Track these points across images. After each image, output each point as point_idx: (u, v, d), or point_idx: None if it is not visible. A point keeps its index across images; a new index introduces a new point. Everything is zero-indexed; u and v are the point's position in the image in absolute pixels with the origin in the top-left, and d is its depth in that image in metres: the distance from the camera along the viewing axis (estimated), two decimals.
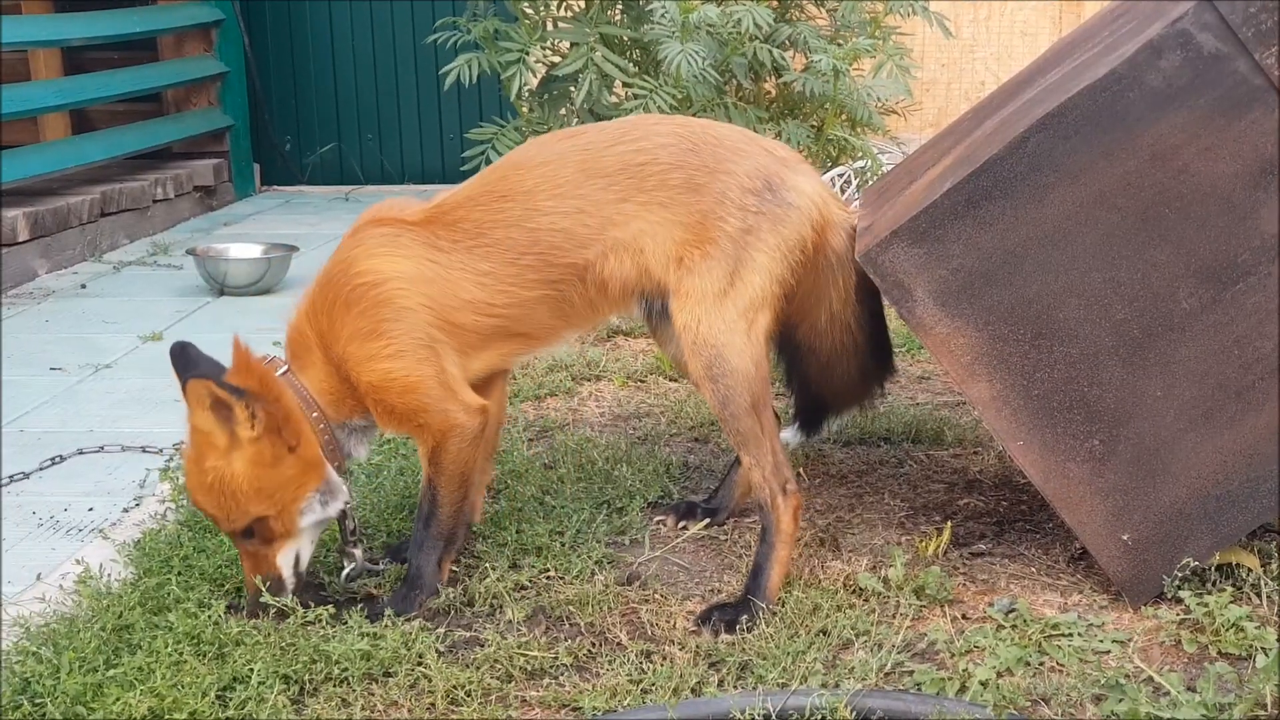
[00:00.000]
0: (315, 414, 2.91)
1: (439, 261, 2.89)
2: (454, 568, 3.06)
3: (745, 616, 2.83)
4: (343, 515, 3.00)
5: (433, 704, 2.59)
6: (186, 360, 2.87)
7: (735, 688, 2.61)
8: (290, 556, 2.90)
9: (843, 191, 5.53)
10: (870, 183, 5.26)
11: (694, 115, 4.96)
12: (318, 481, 2.89)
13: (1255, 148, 2.75)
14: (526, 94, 5.30)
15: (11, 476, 3.65)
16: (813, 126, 5.34)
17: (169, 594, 2.89)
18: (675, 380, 4.40)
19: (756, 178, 2.91)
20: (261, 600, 2.84)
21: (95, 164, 7.16)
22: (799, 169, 3.00)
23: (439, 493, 2.96)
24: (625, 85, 5.11)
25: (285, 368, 2.93)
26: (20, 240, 6.15)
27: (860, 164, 5.45)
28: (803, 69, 5.17)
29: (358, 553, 3.07)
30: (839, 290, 3.07)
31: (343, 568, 3.07)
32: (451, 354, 2.92)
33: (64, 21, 7.25)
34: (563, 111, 5.34)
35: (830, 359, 3.19)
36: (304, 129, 8.42)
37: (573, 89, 5.17)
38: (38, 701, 2.53)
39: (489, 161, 4.97)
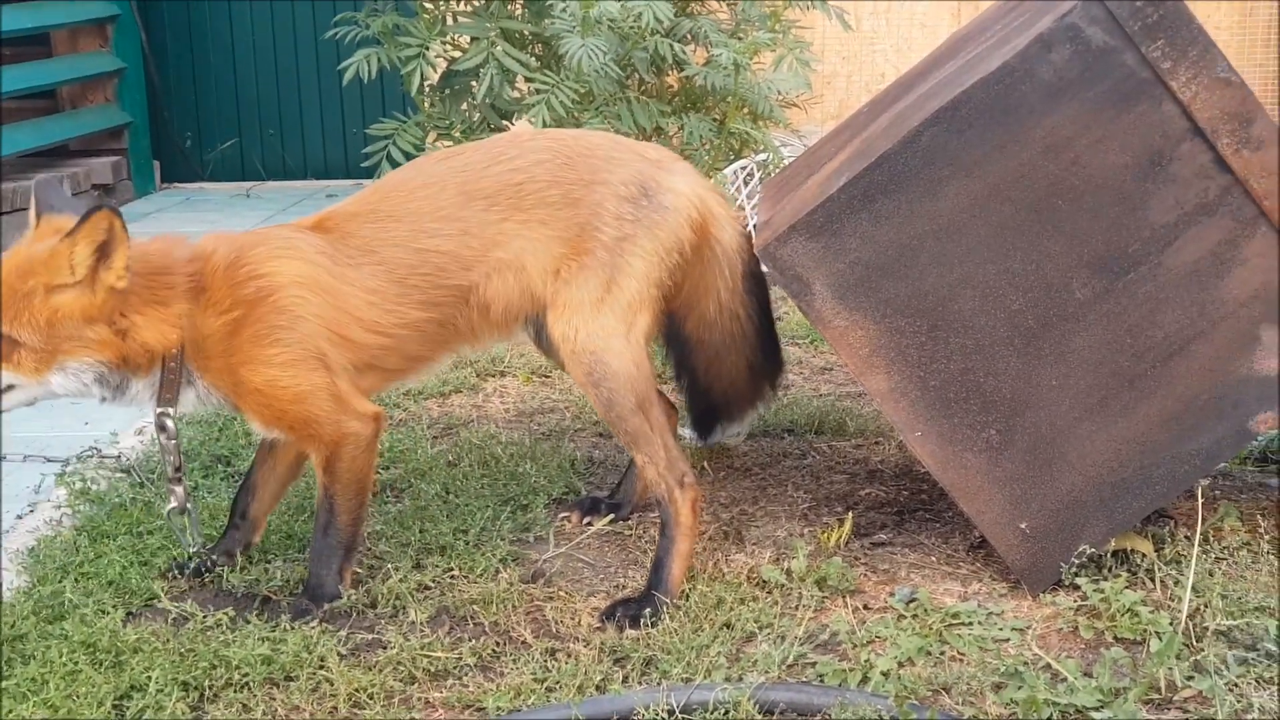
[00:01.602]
0: (176, 335, 2.82)
1: (334, 273, 2.89)
2: (357, 569, 3.04)
3: (649, 611, 2.84)
4: (165, 450, 2.96)
5: (335, 707, 2.57)
6: (50, 200, 2.89)
7: (640, 684, 2.61)
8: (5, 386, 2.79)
9: (746, 184, 5.56)
10: (772, 175, 5.29)
11: (597, 109, 4.96)
12: (106, 360, 2.79)
13: (1144, 139, 2.80)
14: (428, 89, 5.26)
15: None
16: (715, 120, 5.34)
17: (64, 602, 2.85)
18: None
19: (632, 185, 2.96)
20: None
21: None
22: (675, 170, 3.04)
23: (336, 501, 2.94)
24: (527, 80, 5.08)
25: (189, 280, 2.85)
26: None
27: (762, 157, 5.47)
28: (704, 63, 5.17)
29: (180, 489, 3.01)
30: (725, 281, 3.10)
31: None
32: (340, 367, 2.90)
33: None
34: (464, 107, 5.30)
35: (719, 350, 3.20)
36: (204, 125, 8.30)
37: (474, 84, 5.13)
38: None
39: (389, 158, 4.93)
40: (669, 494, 2.95)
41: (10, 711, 2.47)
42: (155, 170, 8.22)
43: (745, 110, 5.32)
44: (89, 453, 3.75)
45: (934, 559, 3.08)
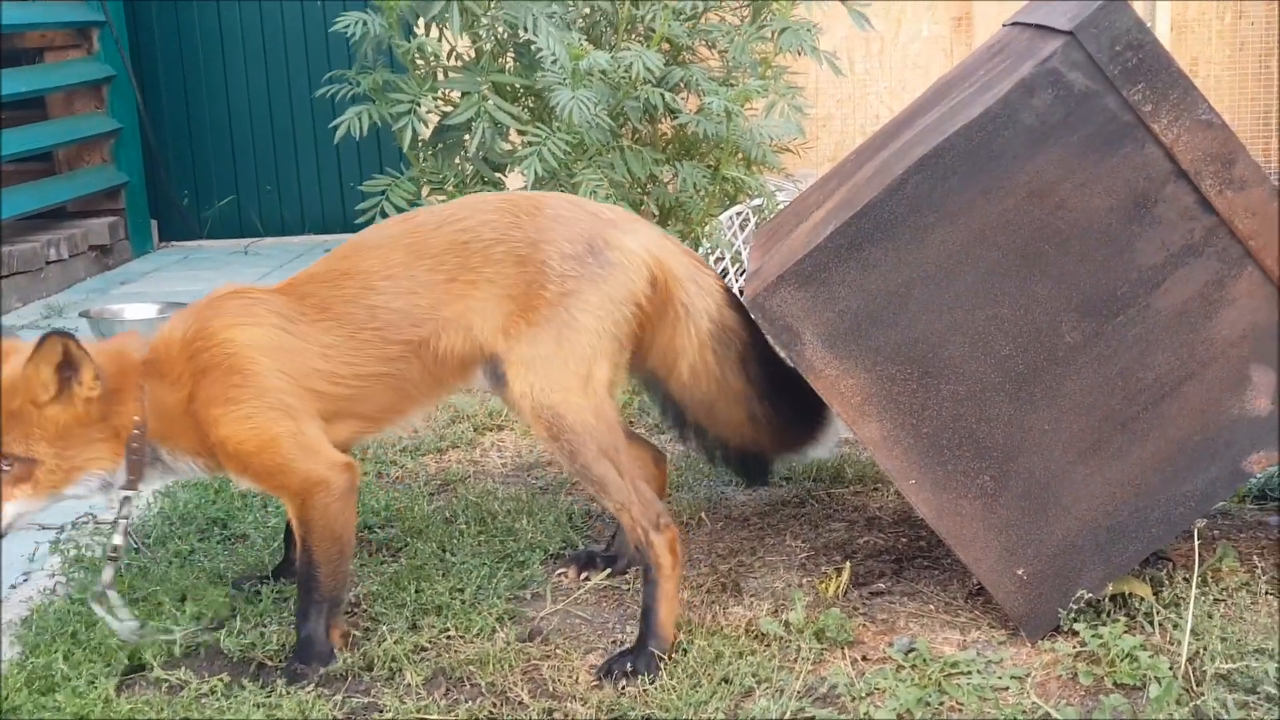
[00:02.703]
0: (138, 419, 2.93)
1: (290, 331, 2.98)
2: (355, 632, 3.03)
3: (644, 662, 2.84)
4: (117, 527, 3.02)
5: None
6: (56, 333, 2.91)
7: None
8: (23, 507, 2.89)
9: (741, 230, 5.57)
10: (766, 221, 5.30)
11: (589, 160, 4.97)
12: (112, 465, 2.93)
13: (1128, 182, 2.80)
14: (420, 144, 5.28)
15: None
16: (709, 166, 5.37)
17: (56, 673, 2.83)
18: None
19: (579, 242, 3.00)
20: None
21: None
22: (629, 229, 3.08)
23: (314, 553, 2.95)
24: (519, 133, 5.11)
25: (142, 363, 2.97)
26: None
27: (757, 202, 5.48)
28: (696, 111, 5.19)
29: (107, 574, 3.05)
30: (693, 340, 3.12)
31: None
32: (308, 418, 2.96)
33: None
34: (457, 161, 5.33)
35: (710, 407, 3.22)
36: (201, 183, 8.33)
37: (466, 138, 5.16)
38: None
39: (383, 213, 4.95)
40: (646, 538, 2.96)
41: None
42: (153, 229, 8.25)
43: (739, 156, 5.34)
44: (84, 519, 3.73)
45: (932, 607, 3.07)
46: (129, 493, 2.99)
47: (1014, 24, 3.42)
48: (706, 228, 5.32)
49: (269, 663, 2.97)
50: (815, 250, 2.88)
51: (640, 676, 2.81)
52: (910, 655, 2.83)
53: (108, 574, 3.05)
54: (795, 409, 3.28)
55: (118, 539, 3.03)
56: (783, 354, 3.03)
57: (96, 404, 2.89)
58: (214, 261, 7.66)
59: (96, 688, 2.78)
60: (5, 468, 2.86)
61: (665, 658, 2.86)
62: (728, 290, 3.18)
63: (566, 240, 3.00)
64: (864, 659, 2.86)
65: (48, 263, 7.15)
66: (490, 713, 2.75)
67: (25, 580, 3.38)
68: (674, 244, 3.17)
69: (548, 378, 2.94)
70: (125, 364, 2.96)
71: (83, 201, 7.76)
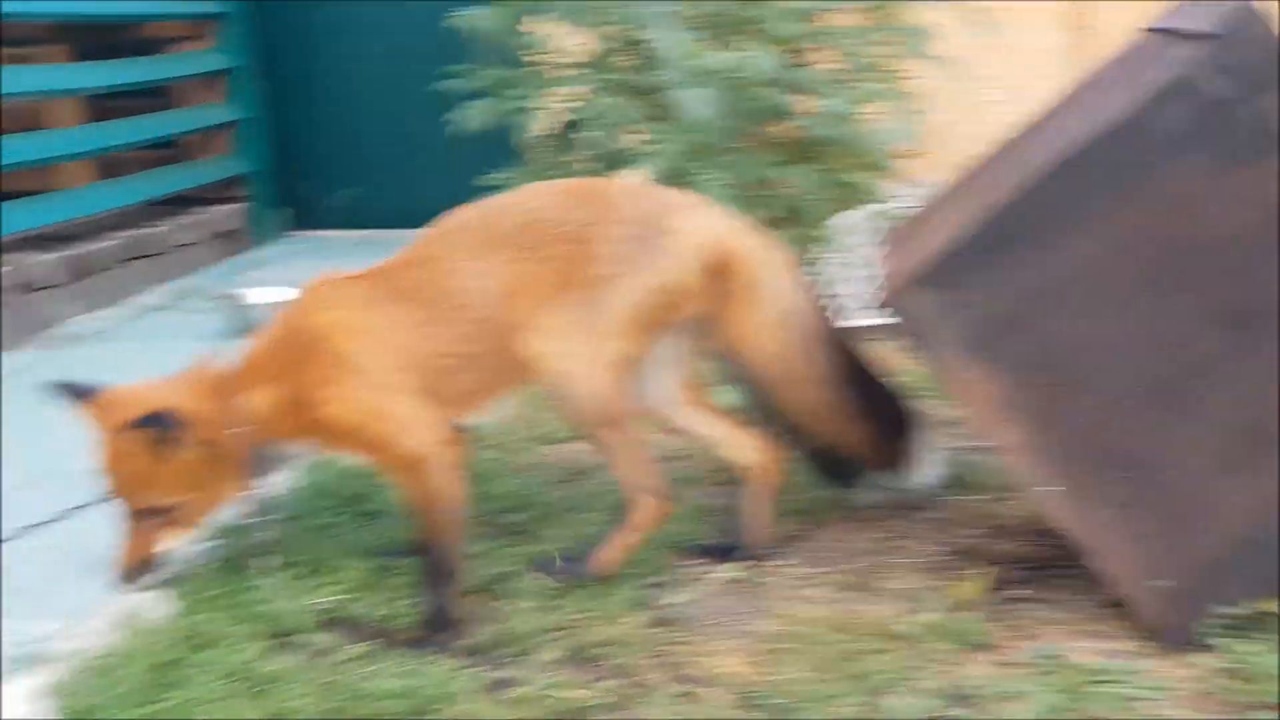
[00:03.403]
0: (244, 429, 3.10)
1: (378, 312, 3.14)
2: (491, 608, 3.09)
3: (573, 573, 3.19)
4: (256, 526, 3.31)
5: None
6: (74, 389, 3.13)
7: None
8: (169, 545, 3.12)
9: (857, 235, 5.56)
10: (885, 226, 5.29)
11: (706, 161, 4.99)
12: (237, 486, 3.16)
13: (1267, 194, 2.78)
14: (537, 141, 5.34)
15: (59, 515, 3.72)
16: (826, 170, 5.37)
17: (214, 631, 2.92)
18: None
19: (632, 225, 3.14)
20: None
21: (119, 210, 7.20)
22: (691, 212, 3.21)
23: (426, 527, 3.07)
24: (634, 132, 5.15)
25: (231, 376, 3.15)
26: (50, 285, 6.21)
27: (875, 208, 5.47)
28: (813, 113, 5.19)
29: (259, 562, 3.27)
30: (758, 321, 3.22)
31: None
32: (404, 393, 3.11)
33: (81, 70, 7.30)
34: (572, 158, 5.38)
35: (777, 390, 3.30)
36: (326, 174, 8.48)
37: (581, 135, 5.21)
38: None
39: None
40: (636, 495, 3.21)
41: None
42: (278, 218, 8.41)
43: (855, 161, 5.34)
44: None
45: (1070, 615, 3.06)
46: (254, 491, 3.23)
47: (1149, 30, 3.39)
48: (822, 231, 5.33)
49: (408, 634, 3.04)
50: (951, 252, 2.90)
51: (564, 578, 3.18)
52: (1049, 661, 2.83)
53: (260, 563, 3.24)
54: (872, 411, 3.34)
55: (260, 535, 3.28)
56: (916, 356, 3.05)
57: (202, 448, 3.05)
58: (336, 251, 7.77)
59: (247, 648, 2.86)
60: (147, 518, 3.06)
61: (591, 577, 3.18)
62: (798, 273, 3.28)
63: (619, 223, 3.13)
64: (1001, 663, 2.87)
65: (177, 247, 7.32)
66: (625, 693, 2.79)
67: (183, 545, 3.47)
68: (741, 225, 3.27)
69: (563, 347, 3.11)
70: (213, 391, 3.12)
71: (209, 189, 7.93)
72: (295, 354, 3.12)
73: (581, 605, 3.12)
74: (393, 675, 2.79)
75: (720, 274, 3.17)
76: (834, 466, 3.49)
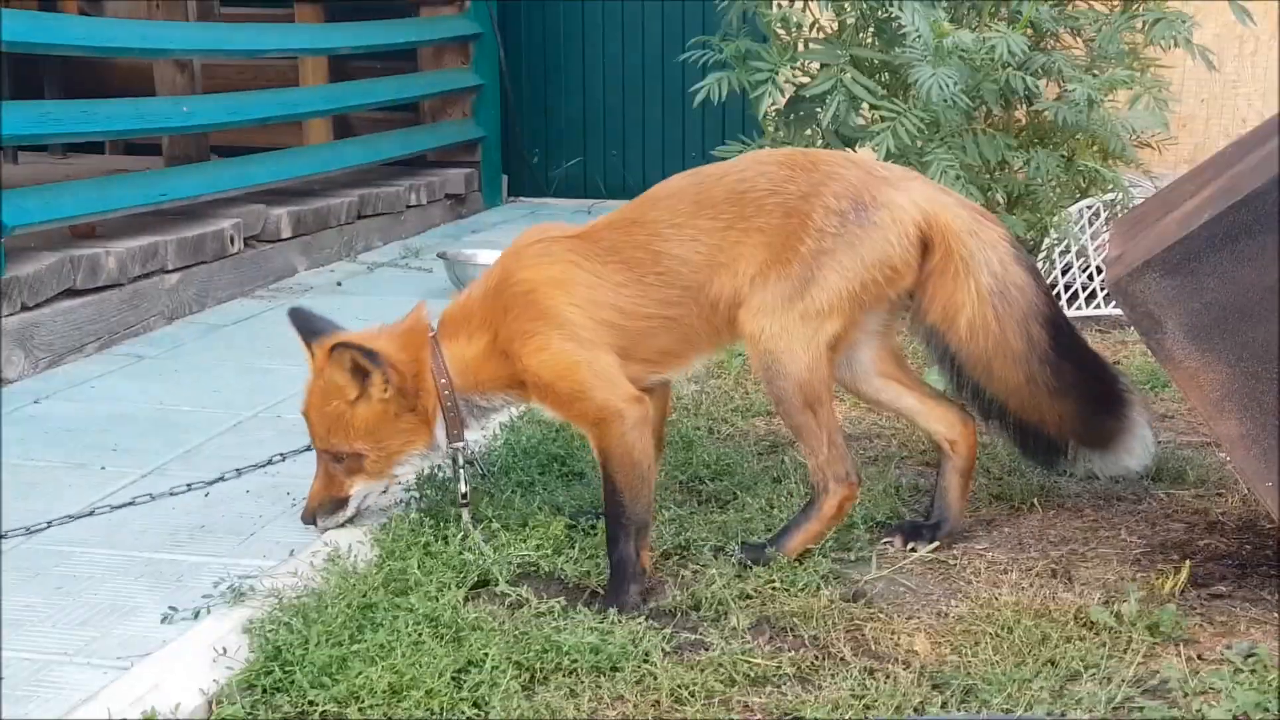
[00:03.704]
0: (444, 381, 3.23)
1: (584, 269, 3.19)
2: (685, 570, 3.12)
3: (760, 557, 3.16)
4: (459, 477, 3.35)
5: (657, 701, 2.65)
6: (308, 323, 3.37)
7: (959, 710, 2.59)
8: (363, 491, 3.33)
9: (1090, 224, 5.43)
10: (1119, 214, 5.15)
11: (941, 139, 4.93)
12: (426, 441, 3.27)
13: None
14: (774, 114, 5.34)
15: (271, 459, 3.86)
16: (1063, 156, 5.25)
17: (410, 577, 3.02)
18: None
19: (845, 198, 3.13)
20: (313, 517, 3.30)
21: (354, 168, 7.46)
22: (903, 186, 3.19)
23: (616, 481, 3.13)
24: (873, 108, 5.11)
25: (433, 333, 3.27)
26: (284, 237, 6.47)
27: (1110, 196, 5.34)
28: (1056, 97, 5.09)
29: (465, 515, 3.35)
30: (972, 295, 3.17)
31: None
32: (602, 349, 3.16)
33: (332, 31, 7.58)
34: (808, 132, 5.37)
35: (987, 366, 3.23)
36: (551, 143, 8.64)
37: (819, 110, 5.19)
38: (287, 669, 2.67)
39: None
40: (824, 484, 3.20)
41: (360, 673, 2.64)
42: (504, 184, 8.60)
43: (1095, 148, 5.21)
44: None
45: (1277, 615, 2.95)
46: (458, 444, 3.30)
47: None
48: (1055, 218, 5.21)
49: (602, 591, 3.09)
50: (1187, 238, 2.81)
51: (753, 564, 3.15)
52: (1250, 660, 2.73)
53: (465, 516, 3.35)
54: (1084, 388, 3.24)
55: (463, 487, 3.36)
56: (1144, 341, 2.97)
57: (395, 396, 3.20)
58: (558, 218, 7.91)
59: (446, 595, 2.95)
60: (336, 463, 3.27)
61: (770, 563, 3.14)
62: (1015, 246, 3.22)
63: (834, 196, 3.13)
64: (1199, 658, 2.78)
65: (407, 206, 7.55)
66: (812, 663, 2.79)
67: (384, 492, 3.59)
68: (952, 198, 3.26)
69: (778, 324, 3.11)
70: (417, 343, 3.25)
71: (442, 152, 8.15)
72: (502, 306, 3.20)
73: (773, 575, 3.12)
74: (585, 631, 2.84)
75: (931, 247, 3.16)
76: (1038, 446, 3.39)
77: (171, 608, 2.91)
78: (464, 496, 3.36)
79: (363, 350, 3.16)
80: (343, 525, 3.34)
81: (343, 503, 3.32)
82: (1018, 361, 3.20)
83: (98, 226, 5.55)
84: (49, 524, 3.38)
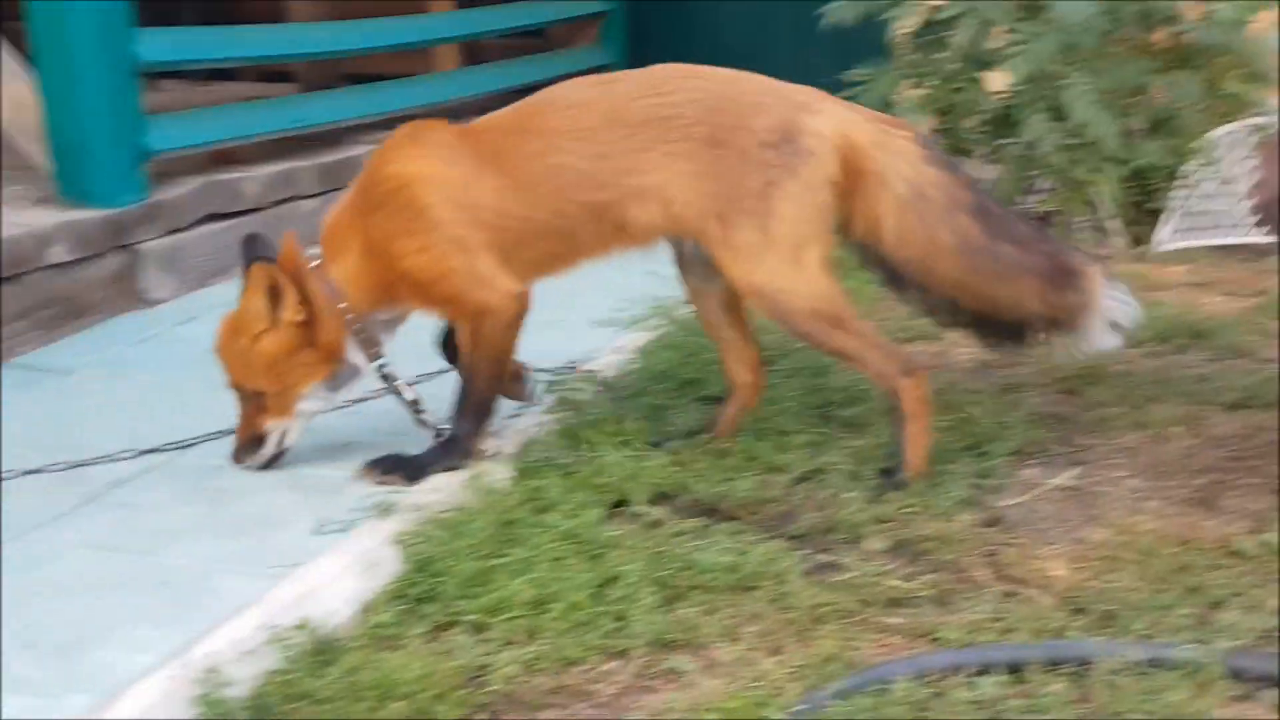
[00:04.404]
0: (343, 305, 3.24)
1: (459, 167, 3.20)
2: (820, 492, 3.15)
3: (891, 483, 3.17)
4: (398, 393, 3.39)
5: (794, 620, 2.67)
6: (254, 247, 3.33)
7: (1099, 635, 2.59)
8: (279, 430, 3.32)
9: (1234, 150, 5.30)
10: (1265, 139, 5.02)
11: (1079, 63, 4.82)
12: (325, 374, 3.28)
13: None
14: (904, 38, 5.28)
15: (411, 381, 3.90)
16: (1205, 80, 5.13)
17: (550, 496, 3.07)
18: None
19: (775, 131, 3.14)
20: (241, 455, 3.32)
21: (482, 95, 7.49)
22: (819, 110, 3.20)
23: (476, 368, 3.27)
24: (1007, 31, 5.02)
25: (318, 262, 3.26)
26: None
27: (1259, 120, 5.20)
28: (1199, 19, 4.96)
29: (427, 417, 3.40)
30: (891, 204, 3.18)
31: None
32: (482, 250, 3.19)
33: None
34: (939, 56, 5.30)
35: (926, 267, 3.23)
36: None
37: (951, 34, 5.12)
38: (435, 580, 2.74)
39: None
40: (894, 384, 3.19)
41: (504, 585, 2.70)
42: None
43: (1241, 70, 5.07)
44: (568, 367, 3.98)
45: None
46: (381, 362, 3.34)
47: None
48: (1197, 143, 5.09)
49: (738, 514, 3.12)
50: None
51: (887, 489, 3.15)
52: None
53: (429, 423, 3.40)
54: (1030, 266, 3.23)
55: (409, 395, 3.41)
56: None
57: (301, 328, 3.22)
58: None
59: (585, 513, 3.00)
60: (247, 401, 3.29)
61: (909, 483, 3.15)
62: (926, 146, 3.25)
63: (765, 130, 3.14)
64: None
65: None
66: (949, 586, 2.80)
67: (518, 415, 3.65)
68: (860, 114, 3.27)
69: (764, 265, 3.14)
70: (299, 265, 3.23)
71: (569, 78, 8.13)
72: (373, 204, 3.22)
73: (909, 499, 3.12)
74: (721, 550, 2.87)
75: (848, 166, 3.17)
76: (1003, 333, 3.38)
77: (323, 520, 3.00)
78: (415, 404, 3.41)
79: (279, 269, 3.18)
80: (267, 465, 3.35)
81: (260, 440, 3.32)
82: (953, 255, 3.21)
83: (237, 151, 5.66)
84: (193, 441, 3.51)
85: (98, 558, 2.87)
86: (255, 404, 3.28)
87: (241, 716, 2.33)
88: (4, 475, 3.22)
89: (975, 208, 3.23)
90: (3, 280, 4.15)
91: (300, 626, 2.54)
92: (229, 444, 3.38)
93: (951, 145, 5.22)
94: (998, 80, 5.21)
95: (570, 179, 3.18)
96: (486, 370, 3.28)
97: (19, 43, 4.99)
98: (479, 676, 2.50)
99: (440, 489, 3.13)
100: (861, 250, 3.30)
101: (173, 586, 2.74)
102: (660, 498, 3.19)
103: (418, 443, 3.36)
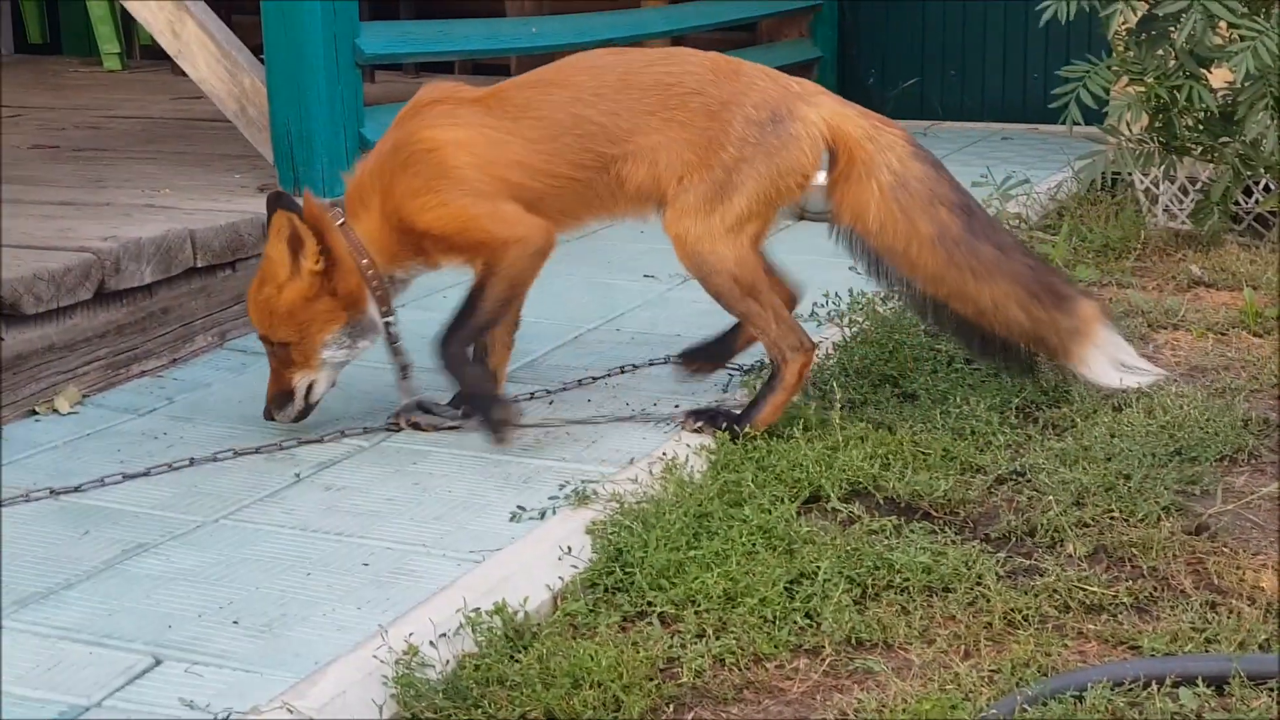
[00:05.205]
0: (365, 261, 3.36)
1: (489, 126, 3.34)
2: (1019, 496, 3.11)
3: (730, 427, 3.39)
4: (398, 352, 3.52)
5: (989, 623, 2.65)
6: (279, 201, 3.36)
7: None
8: (304, 383, 3.42)
9: None
10: None
11: None
12: (342, 323, 3.37)
13: None
14: (1123, 33, 5.13)
15: (623, 368, 3.98)
16: None
17: (744, 489, 3.09)
18: (1260, 335, 4.20)
19: (764, 109, 3.33)
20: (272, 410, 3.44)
21: None
22: (814, 101, 3.39)
23: (487, 290, 3.36)
24: (1231, 26, 4.85)
25: (342, 219, 3.37)
26: None
27: None
28: None
29: (409, 384, 3.55)
30: (875, 193, 3.36)
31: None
32: (504, 200, 3.33)
33: None
34: (1161, 52, 5.14)
35: (907, 256, 3.40)
36: (888, 64, 8.50)
37: (1173, 29, 4.96)
38: (627, 570, 2.79)
39: (1079, 101, 4.87)
40: (781, 356, 3.42)
41: (696, 578, 2.73)
42: None
43: None
44: (759, 363, 3.97)
45: None
46: (389, 320, 3.45)
47: None
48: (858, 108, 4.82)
49: (935, 512, 3.10)
50: None
51: (718, 431, 3.39)
52: None
53: (406, 386, 3.55)
54: (1012, 272, 3.38)
55: (405, 360, 3.53)
56: None
57: (320, 276, 3.32)
58: None
59: (779, 508, 3.01)
60: (274, 353, 3.41)
61: (742, 436, 3.33)
62: (914, 145, 3.42)
63: (754, 107, 3.33)
64: None
65: None
66: (1150, 594, 2.74)
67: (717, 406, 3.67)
68: (854, 109, 3.45)
69: (701, 226, 3.33)
70: (321, 218, 3.33)
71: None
72: (400, 163, 3.31)
73: (1112, 504, 3.06)
74: (917, 550, 2.85)
75: (836, 156, 3.38)
76: (992, 346, 3.55)
77: (519, 507, 3.07)
78: (405, 370, 3.53)
79: (301, 217, 3.28)
80: (297, 419, 3.46)
81: (289, 395, 3.43)
82: (932, 244, 3.37)
83: None
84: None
85: (303, 537, 2.98)
86: (282, 357, 3.40)
87: (437, 699, 2.39)
88: (218, 457, 3.36)
89: (958, 205, 3.40)
90: (222, 266, 4.32)
91: (495, 611, 2.60)
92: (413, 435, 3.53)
93: (1167, 143, 5.07)
94: (1218, 77, 5.04)
95: (590, 130, 3.36)
96: (500, 293, 3.37)
97: (246, 37, 5.20)
98: (668, 668, 2.53)
99: (636, 479, 3.17)
100: (848, 238, 3.48)
101: (373, 568, 2.83)
102: (854, 494, 3.18)
103: (625, 430, 3.40)
